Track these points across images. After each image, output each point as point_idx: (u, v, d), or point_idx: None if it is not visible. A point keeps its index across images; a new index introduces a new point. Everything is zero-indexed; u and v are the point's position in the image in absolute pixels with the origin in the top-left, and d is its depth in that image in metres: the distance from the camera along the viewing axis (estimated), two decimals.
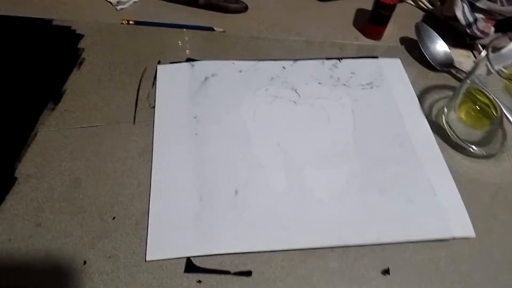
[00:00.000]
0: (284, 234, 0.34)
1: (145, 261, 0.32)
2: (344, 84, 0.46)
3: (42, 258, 0.32)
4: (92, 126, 0.40)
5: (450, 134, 0.42)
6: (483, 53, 0.38)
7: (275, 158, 0.39)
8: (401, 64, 0.48)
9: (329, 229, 0.35)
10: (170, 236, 0.34)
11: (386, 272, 0.33)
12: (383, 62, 0.49)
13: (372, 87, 0.46)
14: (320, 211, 0.36)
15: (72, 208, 0.35)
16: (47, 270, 0.31)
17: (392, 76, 0.47)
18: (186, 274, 0.32)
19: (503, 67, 0.44)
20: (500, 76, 0.35)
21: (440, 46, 0.49)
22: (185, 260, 0.32)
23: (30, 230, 0.33)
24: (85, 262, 0.32)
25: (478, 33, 0.49)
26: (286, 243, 0.34)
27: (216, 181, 0.37)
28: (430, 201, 0.37)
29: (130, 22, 0.50)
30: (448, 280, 0.33)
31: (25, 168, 0.37)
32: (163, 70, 0.45)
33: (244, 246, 0.33)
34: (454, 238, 0.35)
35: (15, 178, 0.36)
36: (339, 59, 0.48)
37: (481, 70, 0.38)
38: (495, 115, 0.39)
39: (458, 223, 0.36)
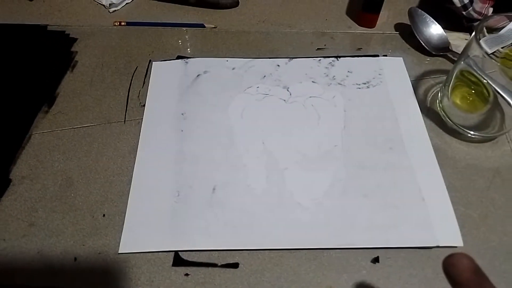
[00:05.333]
0: (258, 234, 0.34)
1: (118, 254, 0.33)
2: (339, 83, 0.44)
3: (35, 256, 0.33)
4: (84, 126, 0.41)
5: (445, 121, 0.41)
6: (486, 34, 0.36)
7: (258, 157, 0.38)
8: (403, 64, 0.46)
9: (305, 232, 0.34)
10: (144, 230, 0.34)
11: (376, 260, 0.33)
12: (383, 61, 0.46)
13: (368, 87, 0.44)
14: (298, 214, 0.35)
15: (64, 207, 0.35)
16: (39, 268, 0.32)
17: (392, 76, 0.45)
18: (174, 268, 0.32)
19: (501, 47, 0.42)
20: (490, 57, 0.34)
21: (434, 30, 0.47)
22: (173, 254, 0.33)
23: (24, 229, 0.34)
24: (75, 259, 0.32)
25: (475, 15, 0.47)
26: (260, 243, 0.33)
27: (195, 177, 0.37)
28: (416, 208, 0.35)
29: (122, 23, 0.51)
30: None
31: (19, 170, 0.38)
32: (157, 67, 0.46)
33: (216, 243, 0.33)
34: (438, 247, 0.33)
35: (10, 180, 0.37)
36: (337, 57, 0.47)
37: (477, 52, 0.37)
38: (490, 97, 0.38)
39: (445, 232, 0.34)
